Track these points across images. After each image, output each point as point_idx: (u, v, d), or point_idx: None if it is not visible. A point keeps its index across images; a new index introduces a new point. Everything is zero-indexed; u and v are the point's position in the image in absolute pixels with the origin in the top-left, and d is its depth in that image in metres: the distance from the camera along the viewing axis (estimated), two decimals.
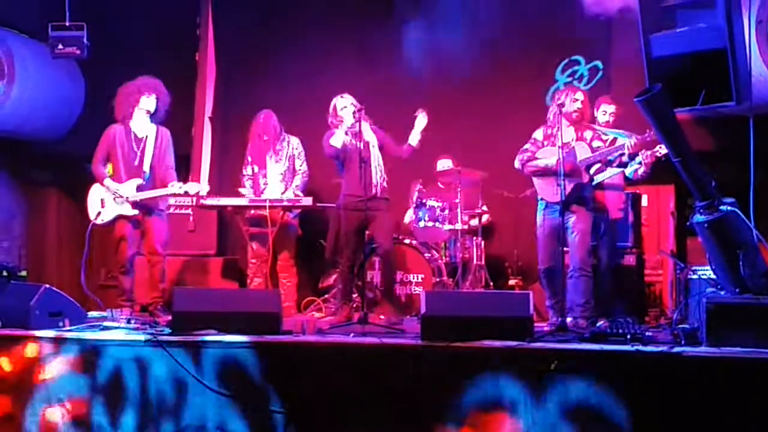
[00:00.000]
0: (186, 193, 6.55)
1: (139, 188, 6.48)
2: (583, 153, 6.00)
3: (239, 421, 4.90)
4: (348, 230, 6.47)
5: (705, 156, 5.37)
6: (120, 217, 6.47)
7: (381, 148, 6.51)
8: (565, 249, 5.97)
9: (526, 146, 6.20)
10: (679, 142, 4.92)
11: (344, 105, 6.47)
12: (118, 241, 6.51)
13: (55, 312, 5.54)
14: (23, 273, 7.87)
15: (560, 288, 5.93)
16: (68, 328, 5.50)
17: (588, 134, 6.11)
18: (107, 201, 6.47)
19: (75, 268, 8.68)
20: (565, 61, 7.77)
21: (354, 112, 6.33)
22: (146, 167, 6.53)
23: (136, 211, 6.46)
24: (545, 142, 6.13)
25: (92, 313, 6.27)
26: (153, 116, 6.61)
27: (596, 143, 6.06)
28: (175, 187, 6.48)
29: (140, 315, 6.24)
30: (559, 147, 5.72)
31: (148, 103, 6.55)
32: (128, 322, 5.75)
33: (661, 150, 5.89)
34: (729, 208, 4.81)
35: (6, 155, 8.39)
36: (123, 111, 6.56)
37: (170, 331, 5.26)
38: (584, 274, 5.95)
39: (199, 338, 5.06)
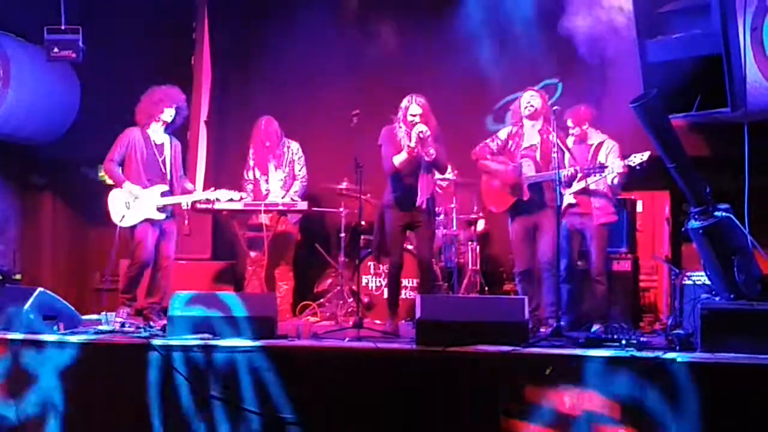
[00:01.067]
0: (217, 200, 6.52)
1: (163, 194, 6.41)
2: (528, 171, 6.01)
3: (234, 424, 4.90)
4: (394, 229, 6.11)
5: (700, 162, 5.38)
6: (145, 220, 6.38)
7: (432, 161, 5.99)
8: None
9: (486, 141, 6.29)
10: (674, 148, 4.94)
11: (415, 113, 5.93)
12: (137, 244, 6.36)
13: (49, 316, 5.51)
14: (17, 276, 7.86)
15: (537, 293, 5.96)
16: (63, 332, 5.48)
17: (552, 138, 5.98)
18: (132, 204, 6.37)
19: (70, 271, 8.70)
20: (547, 82, 7.74)
21: (416, 125, 5.84)
22: (168, 175, 6.50)
23: (162, 216, 6.38)
24: (510, 142, 6.19)
25: (87, 317, 6.25)
26: (168, 126, 6.58)
27: (554, 153, 5.93)
28: (208, 192, 6.50)
29: (135, 319, 6.19)
30: (554, 155, 5.77)
31: (168, 114, 6.51)
32: (122, 326, 5.73)
33: (634, 160, 5.85)
34: (724, 214, 4.83)
35: (1, 158, 8.38)
36: (145, 117, 6.51)
37: (165, 334, 5.25)
38: (552, 275, 5.91)
39: (194, 342, 5.06)
